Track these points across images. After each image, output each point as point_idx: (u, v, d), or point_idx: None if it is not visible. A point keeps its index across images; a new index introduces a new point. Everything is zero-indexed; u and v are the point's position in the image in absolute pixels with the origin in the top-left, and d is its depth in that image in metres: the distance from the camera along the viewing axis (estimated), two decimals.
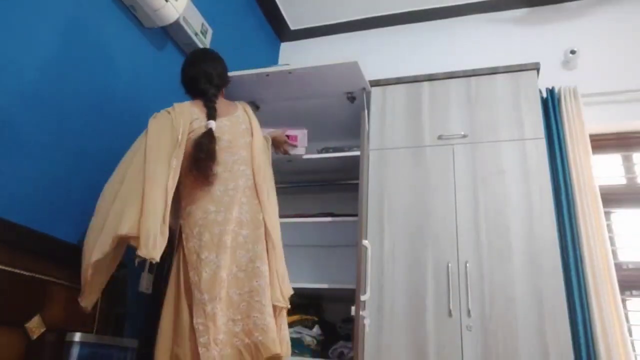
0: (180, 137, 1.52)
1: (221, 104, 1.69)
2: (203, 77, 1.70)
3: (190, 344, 1.39)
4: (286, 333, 1.54)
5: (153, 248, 1.34)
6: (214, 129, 1.55)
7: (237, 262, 1.49)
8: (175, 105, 1.63)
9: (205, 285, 1.43)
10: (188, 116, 1.58)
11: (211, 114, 1.58)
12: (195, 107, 1.63)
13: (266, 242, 1.56)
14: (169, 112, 1.59)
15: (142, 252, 1.33)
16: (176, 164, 1.49)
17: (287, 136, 2.07)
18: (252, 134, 1.68)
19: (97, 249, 1.37)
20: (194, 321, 1.40)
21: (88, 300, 1.46)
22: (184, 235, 1.53)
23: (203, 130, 1.55)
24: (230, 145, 1.61)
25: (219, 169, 1.54)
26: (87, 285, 1.43)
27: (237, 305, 1.45)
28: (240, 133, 1.66)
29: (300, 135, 2.15)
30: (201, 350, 1.36)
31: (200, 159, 1.50)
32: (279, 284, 1.55)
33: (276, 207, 1.68)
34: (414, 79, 2.34)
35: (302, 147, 2.18)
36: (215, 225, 1.50)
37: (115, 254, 1.44)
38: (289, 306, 1.58)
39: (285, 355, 1.49)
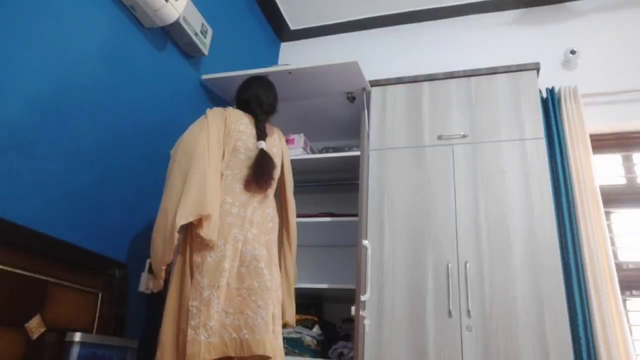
0: (224, 135, 1.68)
1: (266, 127, 1.85)
2: (254, 100, 1.86)
3: (183, 324, 1.45)
4: (280, 342, 1.58)
5: (213, 231, 1.51)
6: (265, 149, 1.71)
7: (241, 257, 1.54)
8: (230, 108, 1.80)
9: (207, 270, 1.48)
10: (239, 118, 1.76)
11: (261, 136, 1.75)
12: (245, 117, 1.80)
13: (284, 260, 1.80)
14: (224, 109, 1.77)
15: (205, 233, 1.49)
16: (221, 154, 1.67)
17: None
18: (282, 157, 1.89)
19: (180, 215, 1.46)
20: (189, 303, 1.45)
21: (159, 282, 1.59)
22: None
23: (250, 144, 1.72)
24: None
25: None
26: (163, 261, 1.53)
27: (233, 299, 1.49)
28: (274, 154, 1.80)
29: (297, 138, 2.36)
30: (189, 332, 1.41)
31: (262, 174, 1.66)
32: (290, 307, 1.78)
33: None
34: (414, 79, 2.34)
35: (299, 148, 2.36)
36: (228, 216, 1.57)
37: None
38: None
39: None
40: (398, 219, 2.07)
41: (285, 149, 1.94)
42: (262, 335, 1.45)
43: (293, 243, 1.87)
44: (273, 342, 1.50)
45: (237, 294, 1.50)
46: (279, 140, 1.90)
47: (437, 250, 1.97)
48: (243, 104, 1.88)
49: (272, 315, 1.53)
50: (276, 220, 1.78)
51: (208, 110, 1.75)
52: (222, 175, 1.63)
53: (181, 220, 1.47)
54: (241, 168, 1.68)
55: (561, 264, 1.87)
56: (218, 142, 1.65)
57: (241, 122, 1.75)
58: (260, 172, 1.66)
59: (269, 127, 1.87)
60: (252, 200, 1.65)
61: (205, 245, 1.51)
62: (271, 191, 1.76)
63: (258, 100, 1.86)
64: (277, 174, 1.79)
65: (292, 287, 1.82)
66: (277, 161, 1.80)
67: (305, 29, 3.30)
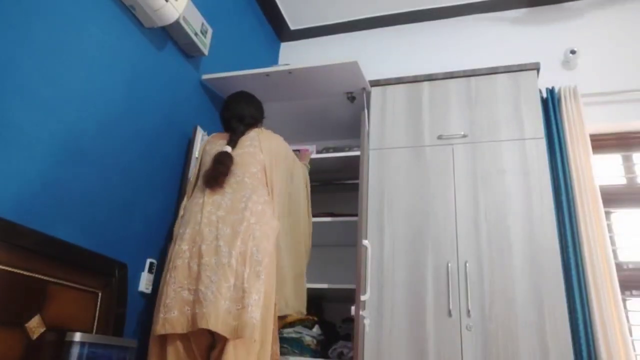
0: (197, 164, 1.95)
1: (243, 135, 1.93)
2: (235, 118, 1.96)
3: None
4: (250, 316, 1.48)
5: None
6: (229, 151, 1.81)
7: (203, 236, 1.61)
8: (214, 135, 2.01)
9: (173, 254, 1.64)
10: (204, 144, 1.98)
11: (230, 143, 1.85)
12: (217, 137, 1.96)
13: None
14: (209, 138, 2.03)
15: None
16: (193, 182, 1.90)
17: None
18: (262, 154, 1.87)
19: None
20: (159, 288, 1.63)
21: None
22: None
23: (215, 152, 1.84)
24: (240, 163, 1.82)
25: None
26: None
27: (195, 276, 1.56)
28: (243, 146, 1.86)
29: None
30: (155, 312, 1.58)
31: (214, 168, 1.75)
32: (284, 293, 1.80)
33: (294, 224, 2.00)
34: (414, 79, 2.34)
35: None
36: (195, 206, 1.72)
37: None
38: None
39: (245, 337, 1.47)
40: (398, 219, 2.07)
41: (275, 149, 1.93)
42: (208, 308, 1.46)
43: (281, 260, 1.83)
44: (224, 316, 1.47)
45: (197, 270, 1.56)
46: (256, 136, 1.91)
47: (437, 250, 1.97)
48: (225, 123, 2.01)
49: (236, 291, 1.51)
50: (257, 200, 1.72)
51: None
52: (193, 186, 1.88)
53: None
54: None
55: (561, 264, 1.87)
56: (196, 169, 1.94)
57: (214, 143, 1.91)
58: (214, 167, 1.76)
59: (250, 131, 1.94)
60: (219, 190, 1.73)
61: (177, 235, 1.70)
62: (243, 178, 1.76)
63: (239, 116, 1.96)
64: (248, 162, 1.80)
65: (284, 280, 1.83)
66: (249, 151, 1.84)
67: (305, 29, 3.30)
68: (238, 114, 1.98)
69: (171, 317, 1.51)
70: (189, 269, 1.58)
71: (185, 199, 1.87)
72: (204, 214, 1.66)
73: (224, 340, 1.49)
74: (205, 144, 1.98)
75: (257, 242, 1.62)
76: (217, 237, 1.60)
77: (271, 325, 1.62)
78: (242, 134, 1.91)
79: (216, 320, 1.46)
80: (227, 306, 1.49)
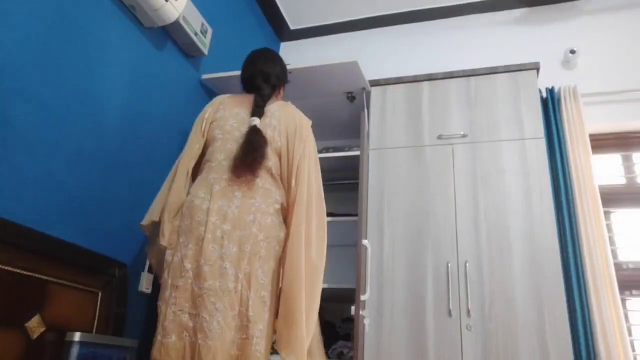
0: (204, 127, 1.65)
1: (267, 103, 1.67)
2: (260, 75, 1.73)
3: None
4: (256, 349, 1.35)
5: (163, 237, 1.52)
6: (258, 126, 1.56)
7: (207, 256, 1.41)
8: (227, 96, 1.74)
9: (172, 269, 1.45)
10: (217, 105, 1.70)
11: (257, 111, 1.60)
12: (232, 100, 1.71)
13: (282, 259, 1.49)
14: (219, 99, 1.74)
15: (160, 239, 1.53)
16: (198, 148, 1.63)
17: None
18: (287, 134, 1.63)
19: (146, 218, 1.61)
20: (158, 302, 1.46)
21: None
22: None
23: (234, 127, 1.60)
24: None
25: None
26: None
27: (195, 300, 1.40)
28: (263, 126, 1.60)
29: None
30: (156, 332, 1.42)
31: (249, 154, 1.50)
32: (287, 331, 1.41)
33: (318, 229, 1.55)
34: (414, 79, 2.34)
35: None
36: (198, 212, 1.48)
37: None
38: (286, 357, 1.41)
39: None
40: (398, 219, 2.07)
41: (292, 121, 1.63)
42: (215, 341, 1.33)
43: (295, 248, 1.48)
44: (231, 350, 1.35)
45: (199, 294, 1.39)
46: (278, 112, 1.64)
47: (437, 250, 1.97)
48: (247, 81, 1.76)
49: (241, 318, 1.38)
50: (267, 210, 1.51)
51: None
52: (202, 168, 1.60)
53: (142, 222, 1.62)
54: (222, 155, 1.55)
55: (561, 264, 1.87)
56: (196, 137, 1.65)
57: (228, 109, 1.64)
58: (247, 150, 1.50)
59: (274, 100, 1.71)
60: (228, 190, 1.49)
61: (178, 243, 1.48)
62: (262, 176, 1.54)
63: (265, 75, 1.72)
64: (273, 151, 1.56)
65: (289, 306, 1.43)
66: (268, 137, 1.57)
67: (305, 29, 3.29)
68: (264, 71, 1.72)
69: (168, 342, 1.37)
70: (192, 293, 1.40)
71: (187, 170, 1.60)
72: (208, 227, 1.43)
73: None
74: (218, 104, 1.68)
75: (262, 262, 1.44)
76: (222, 257, 1.41)
77: (269, 353, 1.45)
78: (268, 98, 1.65)
79: (222, 354, 1.34)
80: (232, 337, 1.37)
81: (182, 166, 1.62)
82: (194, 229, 1.46)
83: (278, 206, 1.55)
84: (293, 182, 1.56)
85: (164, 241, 1.51)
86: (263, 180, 1.54)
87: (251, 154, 1.49)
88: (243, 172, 1.49)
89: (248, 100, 1.68)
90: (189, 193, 1.58)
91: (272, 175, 1.56)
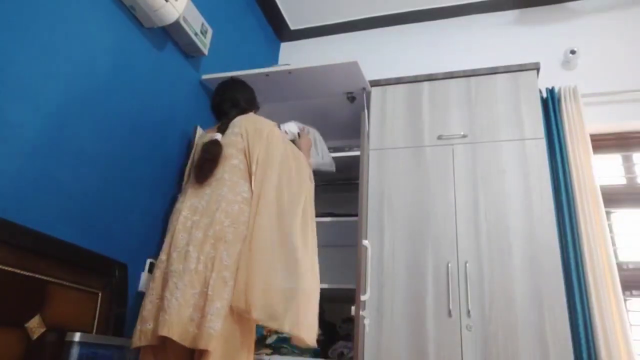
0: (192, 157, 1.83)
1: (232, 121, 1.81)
2: (228, 101, 1.88)
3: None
4: (212, 326, 1.37)
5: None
6: (218, 139, 1.71)
7: (176, 244, 1.55)
8: (205, 130, 1.91)
9: (155, 266, 1.61)
10: (196, 139, 1.90)
11: (221, 129, 1.76)
12: (209, 131, 1.84)
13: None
14: (202, 134, 1.90)
15: None
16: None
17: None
18: (248, 140, 1.72)
19: None
20: None
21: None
22: None
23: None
24: (222, 156, 1.69)
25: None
26: None
27: (165, 284, 1.50)
28: (227, 134, 1.75)
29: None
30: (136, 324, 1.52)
31: (202, 159, 1.67)
32: (245, 285, 1.45)
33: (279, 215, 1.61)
34: (414, 79, 2.34)
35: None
36: (175, 212, 1.67)
37: None
38: (250, 314, 1.42)
39: (200, 347, 1.37)
40: (398, 219, 2.07)
41: (253, 125, 1.75)
42: (171, 316, 1.39)
43: (256, 243, 1.53)
44: (186, 324, 1.39)
45: (168, 278, 1.50)
46: (239, 126, 1.74)
47: (437, 250, 1.97)
48: (215, 108, 1.91)
49: (202, 297, 1.42)
50: (234, 199, 1.59)
51: None
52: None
53: None
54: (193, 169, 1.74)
55: (561, 264, 1.87)
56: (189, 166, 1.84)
57: (206, 137, 1.77)
58: (200, 156, 1.68)
59: (237, 117, 1.80)
60: (200, 190, 1.64)
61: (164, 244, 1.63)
62: (229, 171, 1.64)
63: (232, 100, 1.88)
64: (229, 154, 1.67)
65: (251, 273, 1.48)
66: (231, 140, 1.70)
67: (305, 29, 3.30)
68: (231, 97, 1.88)
69: (146, 329, 1.46)
70: (162, 279, 1.53)
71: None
72: (179, 220, 1.59)
73: (203, 352, 1.37)
74: (198, 139, 1.89)
75: (228, 245, 1.50)
76: (188, 243, 1.52)
77: (245, 336, 1.46)
78: (234, 117, 1.79)
79: (177, 328, 1.38)
80: (190, 313, 1.41)
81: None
82: (170, 226, 1.64)
83: (246, 195, 1.62)
84: (254, 177, 1.65)
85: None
86: (230, 174, 1.65)
87: (204, 160, 1.66)
88: (200, 176, 1.65)
89: (215, 128, 1.84)
90: None
91: (239, 169, 1.67)
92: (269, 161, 1.68)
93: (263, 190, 1.61)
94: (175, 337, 1.38)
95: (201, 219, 1.56)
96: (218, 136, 1.72)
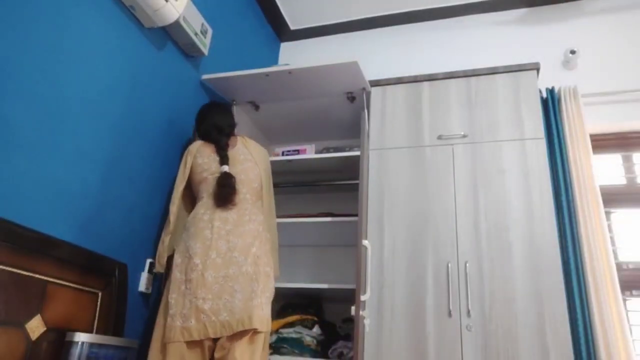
0: (186, 171, 1.94)
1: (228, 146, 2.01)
2: (214, 129, 2.01)
3: (166, 315, 1.65)
4: (267, 312, 1.71)
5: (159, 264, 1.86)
6: (227, 171, 1.88)
7: (217, 249, 1.72)
8: (190, 146, 2.01)
9: (182, 267, 1.70)
10: (193, 152, 1.96)
11: (223, 160, 1.91)
12: (205, 147, 1.98)
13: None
14: (187, 151, 2.01)
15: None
16: (181, 189, 1.93)
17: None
18: (255, 160, 2.01)
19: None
20: (169, 296, 1.66)
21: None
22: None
23: (214, 168, 1.91)
24: (244, 180, 1.93)
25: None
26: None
27: (210, 287, 1.65)
28: (240, 161, 1.96)
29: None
30: (168, 320, 1.63)
31: (222, 191, 1.83)
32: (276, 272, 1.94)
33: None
34: (414, 79, 2.34)
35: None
36: (200, 222, 1.78)
37: None
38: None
39: (264, 330, 1.68)
40: (398, 219, 2.07)
41: (265, 161, 2.08)
42: (241, 314, 1.62)
43: (275, 241, 2.03)
44: (258, 312, 1.65)
45: (215, 282, 1.66)
46: (244, 148, 2.02)
47: (437, 250, 1.97)
48: (204, 135, 2.04)
49: (253, 292, 1.67)
50: (257, 211, 1.90)
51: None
52: (197, 197, 1.92)
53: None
54: (212, 187, 1.87)
55: (561, 264, 1.87)
56: (183, 176, 1.93)
57: (205, 155, 1.94)
58: (222, 189, 1.84)
59: (232, 141, 2.02)
60: (226, 209, 1.82)
61: (186, 248, 1.74)
62: (245, 196, 1.88)
63: (218, 127, 2.01)
64: (251, 179, 1.94)
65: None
66: (248, 167, 1.96)
67: (305, 29, 3.30)
68: (216, 124, 2.02)
69: (189, 326, 1.60)
70: (204, 280, 1.65)
71: (176, 204, 1.88)
72: (214, 229, 1.75)
73: (230, 343, 1.61)
74: (194, 152, 1.96)
75: (262, 245, 1.81)
76: (230, 249, 1.72)
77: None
78: (227, 145, 1.97)
79: (250, 320, 1.61)
80: (249, 305, 1.65)
81: (173, 207, 1.89)
82: (198, 233, 1.75)
83: (261, 206, 1.96)
84: (265, 196, 2.01)
85: (160, 269, 1.84)
86: (250, 195, 1.91)
87: (228, 193, 1.84)
88: (227, 204, 1.83)
89: (211, 150, 1.99)
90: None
91: (253, 188, 1.93)
92: (268, 177, 2.07)
93: (267, 201, 2.01)
94: (256, 326, 1.62)
95: (236, 228, 1.78)
96: (226, 168, 1.89)
